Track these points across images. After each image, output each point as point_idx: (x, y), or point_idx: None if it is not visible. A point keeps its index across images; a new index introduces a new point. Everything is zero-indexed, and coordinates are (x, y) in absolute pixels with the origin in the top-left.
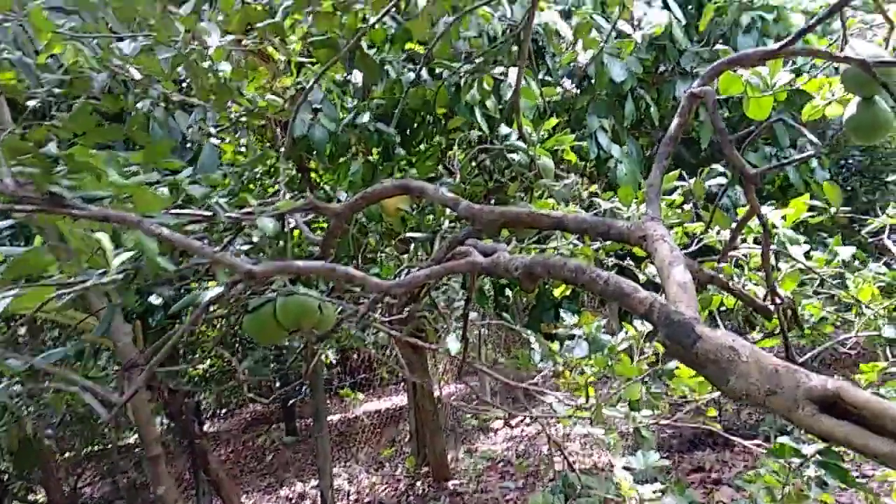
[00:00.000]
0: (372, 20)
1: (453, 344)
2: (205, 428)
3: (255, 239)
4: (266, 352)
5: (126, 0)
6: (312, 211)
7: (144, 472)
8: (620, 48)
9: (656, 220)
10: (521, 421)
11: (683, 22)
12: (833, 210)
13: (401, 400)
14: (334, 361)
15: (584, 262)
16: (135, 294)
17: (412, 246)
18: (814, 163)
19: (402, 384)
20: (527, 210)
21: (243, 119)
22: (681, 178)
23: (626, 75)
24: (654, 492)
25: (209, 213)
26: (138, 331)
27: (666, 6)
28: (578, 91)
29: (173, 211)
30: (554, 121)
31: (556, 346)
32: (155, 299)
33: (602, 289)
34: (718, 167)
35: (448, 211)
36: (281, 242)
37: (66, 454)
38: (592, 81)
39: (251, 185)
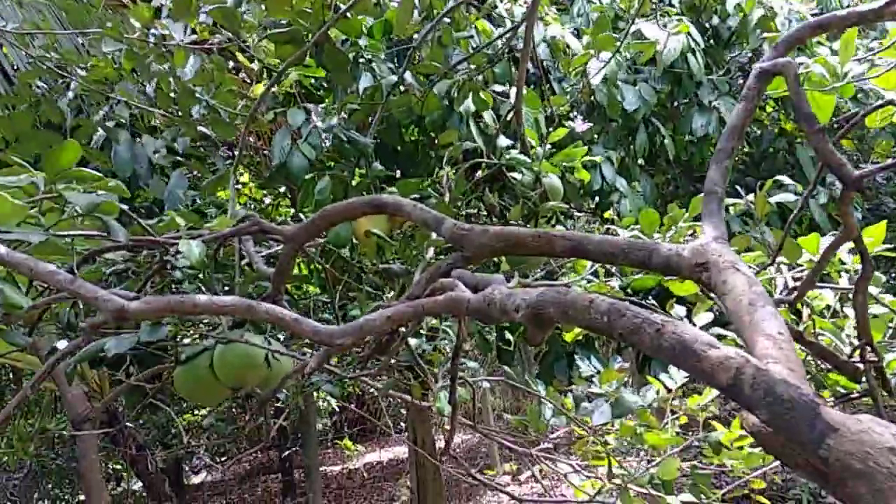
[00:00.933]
0: (343, 7)
1: (444, 403)
2: (196, 480)
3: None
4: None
5: None
6: (258, 233)
7: None
8: (639, 54)
9: (721, 241)
10: (531, 477)
11: (702, 46)
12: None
13: (403, 451)
14: (336, 409)
15: (620, 301)
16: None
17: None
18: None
19: (405, 434)
20: (531, 231)
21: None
22: (735, 193)
23: (639, 103)
24: None
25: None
26: (105, 380)
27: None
28: (585, 121)
29: (62, 232)
30: (563, 131)
31: (569, 401)
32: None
33: (653, 341)
34: (785, 179)
35: (435, 237)
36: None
37: None
38: (604, 108)
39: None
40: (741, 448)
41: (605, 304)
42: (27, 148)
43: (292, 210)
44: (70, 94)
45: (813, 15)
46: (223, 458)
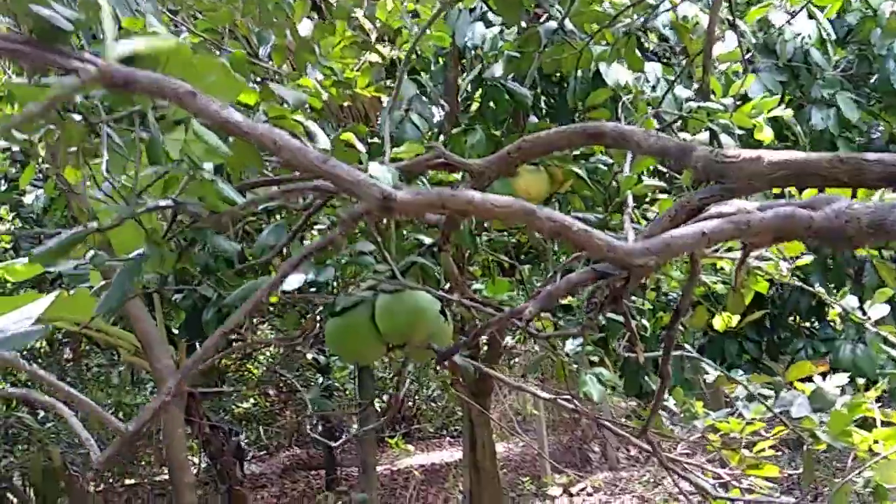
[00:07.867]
0: None
1: (592, 386)
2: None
3: None
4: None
5: None
6: (442, 167)
7: None
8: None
9: None
10: (583, 490)
11: (833, 37)
12: None
13: (448, 455)
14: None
15: None
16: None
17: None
18: None
19: (451, 439)
20: (829, 155)
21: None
22: None
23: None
24: None
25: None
26: (182, 351)
27: (811, 16)
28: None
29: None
30: (752, 77)
31: (700, 405)
32: (206, 290)
33: None
34: None
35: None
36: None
37: (99, 486)
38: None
39: None
40: None
41: None
42: None
43: None
44: None
45: None
46: (262, 452)
